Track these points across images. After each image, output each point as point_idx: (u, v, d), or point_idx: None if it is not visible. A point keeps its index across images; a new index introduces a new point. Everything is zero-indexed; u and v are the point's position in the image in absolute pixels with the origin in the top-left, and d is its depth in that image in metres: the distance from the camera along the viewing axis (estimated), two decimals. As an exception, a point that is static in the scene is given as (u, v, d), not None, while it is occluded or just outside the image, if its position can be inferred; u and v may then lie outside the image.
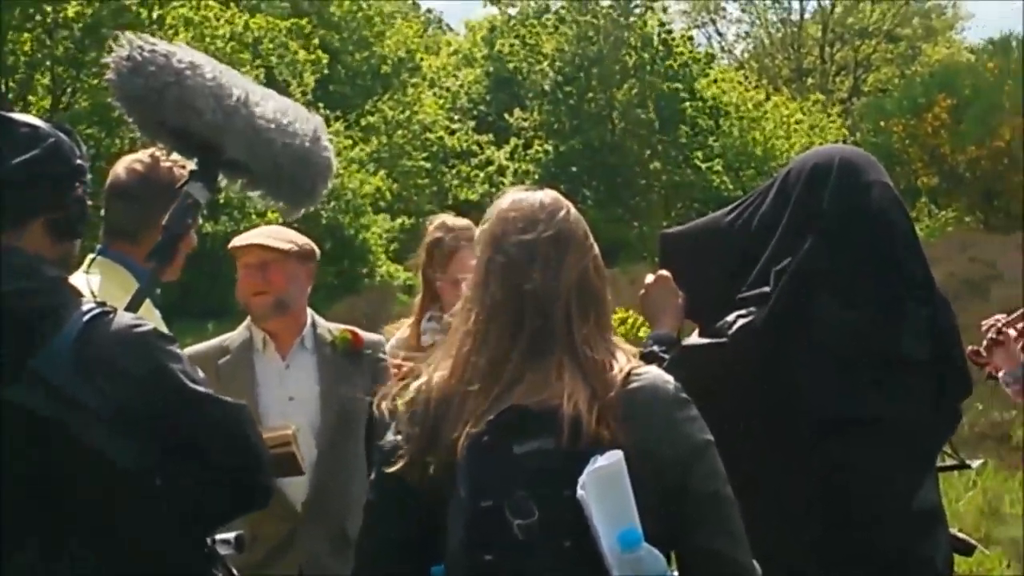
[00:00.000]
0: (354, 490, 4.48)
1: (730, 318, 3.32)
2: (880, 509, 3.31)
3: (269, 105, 3.84)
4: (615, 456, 2.62)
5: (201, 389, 3.00)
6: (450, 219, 5.26)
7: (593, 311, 2.88)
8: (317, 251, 4.89)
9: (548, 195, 2.96)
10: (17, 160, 2.97)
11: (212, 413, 3.01)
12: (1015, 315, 5.11)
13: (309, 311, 4.88)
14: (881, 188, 3.44)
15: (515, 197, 2.96)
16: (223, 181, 3.87)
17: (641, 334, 9.75)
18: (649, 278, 3.74)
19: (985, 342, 5.05)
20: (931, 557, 3.40)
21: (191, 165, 4.08)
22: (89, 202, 3.14)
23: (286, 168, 3.84)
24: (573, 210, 2.97)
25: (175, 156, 4.12)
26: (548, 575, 2.65)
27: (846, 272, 3.32)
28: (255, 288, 4.72)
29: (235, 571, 3.20)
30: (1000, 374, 5.13)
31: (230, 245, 4.81)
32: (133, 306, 3.56)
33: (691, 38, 42.01)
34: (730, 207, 3.65)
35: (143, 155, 4.19)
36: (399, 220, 33.76)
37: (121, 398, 2.83)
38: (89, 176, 3.16)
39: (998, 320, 5.10)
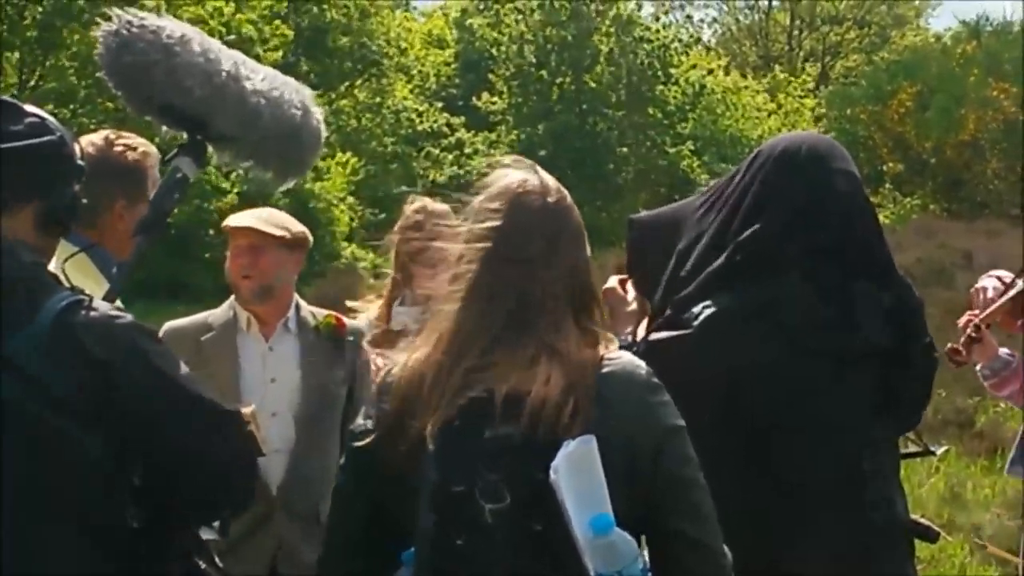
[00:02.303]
0: (329, 475, 4.49)
1: (696, 309, 3.32)
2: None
3: (259, 77, 3.83)
4: (587, 441, 2.62)
5: (189, 388, 2.96)
6: (430, 203, 5.24)
7: (579, 300, 2.87)
8: (309, 238, 4.92)
9: (554, 186, 2.92)
10: (21, 143, 2.96)
11: (199, 413, 2.98)
12: (988, 312, 5.13)
13: (294, 293, 4.91)
14: (846, 176, 3.44)
15: (523, 180, 2.90)
16: (211, 154, 3.86)
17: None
18: (612, 280, 3.74)
19: (963, 339, 5.07)
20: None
21: (151, 147, 4.08)
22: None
23: (276, 141, 3.83)
24: (572, 202, 2.95)
25: (129, 139, 4.10)
26: (519, 560, 2.65)
27: (810, 258, 3.33)
28: (243, 271, 4.76)
29: (216, 557, 3.19)
30: (977, 367, 5.16)
31: (224, 224, 4.84)
32: (114, 289, 3.54)
33: (668, 25, 41.85)
34: (699, 193, 3.64)
35: (96, 137, 4.13)
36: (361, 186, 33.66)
37: (96, 389, 2.80)
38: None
39: (972, 317, 5.12)
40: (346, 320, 4.95)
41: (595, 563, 2.58)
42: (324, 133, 4.06)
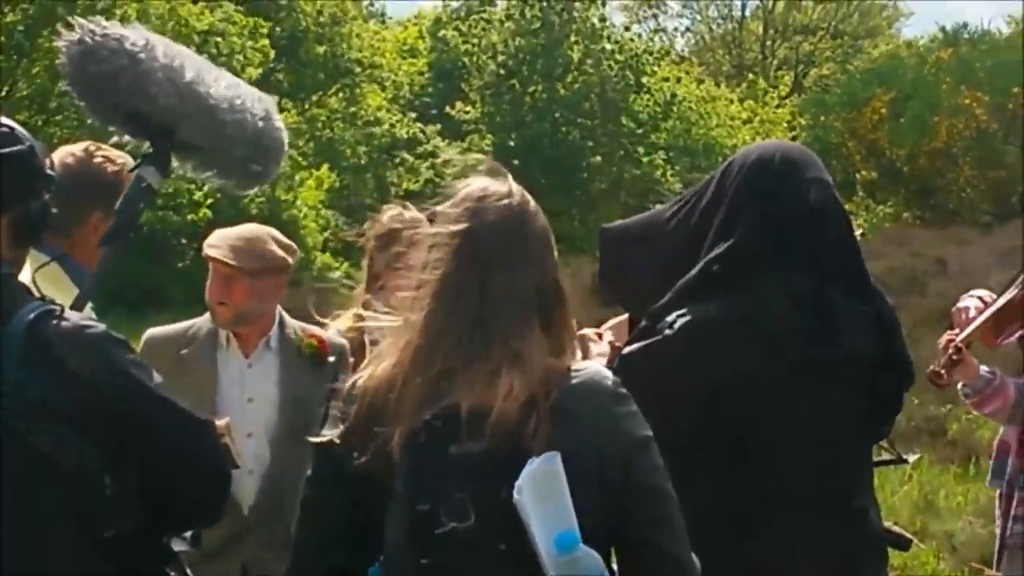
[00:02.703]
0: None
1: (670, 318, 3.31)
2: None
3: (221, 85, 3.81)
4: (552, 458, 2.62)
5: (159, 395, 2.96)
6: (404, 210, 5.21)
7: (548, 311, 2.85)
8: (292, 259, 4.79)
9: (517, 190, 2.91)
10: None
11: (171, 423, 2.97)
12: (967, 332, 5.13)
13: (278, 308, 4.83)
14: (820, 185, 3.44)
15: (485, 186, 2.90)
16: (174, 163, 3.84)
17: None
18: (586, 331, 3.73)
19: (944, 361, 5.08)
20: None
21: (128, 159, 4.05)
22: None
23: (239, 149, 3.81)
24: (537, 206, 2.93)
25: (108, 152, 4.08)
26: None
27: (785, 266, 3.33)
28: (218, 298, 4.69)
29: (188, 571, 3.17)
30: (960, 387, 5.17)
31: (204, 248, 4.73)
32: (82, 298, 3.52)
33: (637, 36, 41.94)
34: (671, 202, 3.64)
35: (76, 148, 4.11)
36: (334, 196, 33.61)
37: (69, 399, 2.79)
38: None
39: (952, 337, 5.13)
40: (329, 340, 4.86)
41: None
42: (286, 141, 4.04)
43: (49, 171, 3.05)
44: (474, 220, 2.83)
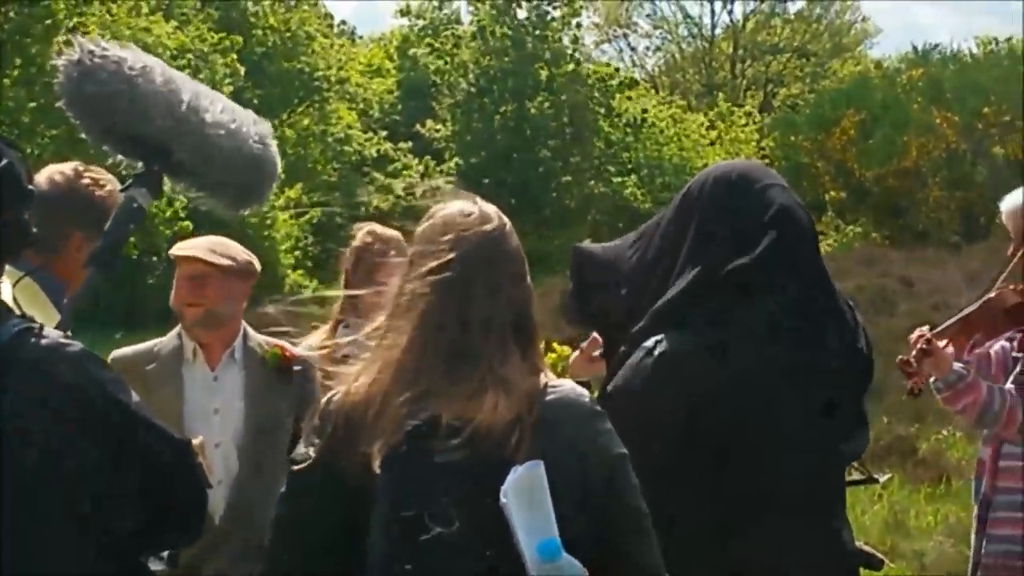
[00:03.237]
0: (271, 506, 4.49)
1: (648, 343, 3.29)
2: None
3: (218, 109, 3.81)
4: (535, 466, 2.63)
5: (139, 414, 2.92)
6: (379, 228, 5.23)
7: (523, 334, 2.88)
8: (257, 267, 4.87)
9: (495, 214, 2.93)
10: None
11: (150, 442, 2.93)
12: (940, 329, 5.16)
13: (242, 323, 4.86)
14: (781, 189, 3.45)
15: (461, 209, 2.92)
16: (167, 183, 3.83)
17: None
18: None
19: (914, 352, 5.10)
20: None
21: (116, 182, 4.04)
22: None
23: (234, 171, 3.82)
24: (512, 230, 2.96)
25: (96, 173, 4.08)
26: None
27: (767, 276, 3.32)
28: (188, 299, 4.71)
29: None
30: (931, 380, 5.18)
31: (171, 251, 4.79)
32: (66, 319, 3.50)
33: (607, 64, 42.13)
34: (636, 232, 3.64)
35: (66, 167, 4.12)
36: (306, 216, 33.59)
37: (68, 399, 2.77)
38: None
39: (923, 332, 5.15)
40: (293, 351, 4.88)
41: None
42: (279, 165, 4.05)
43: (30, 187, 3.01)
44: (453, 247, 2.85)
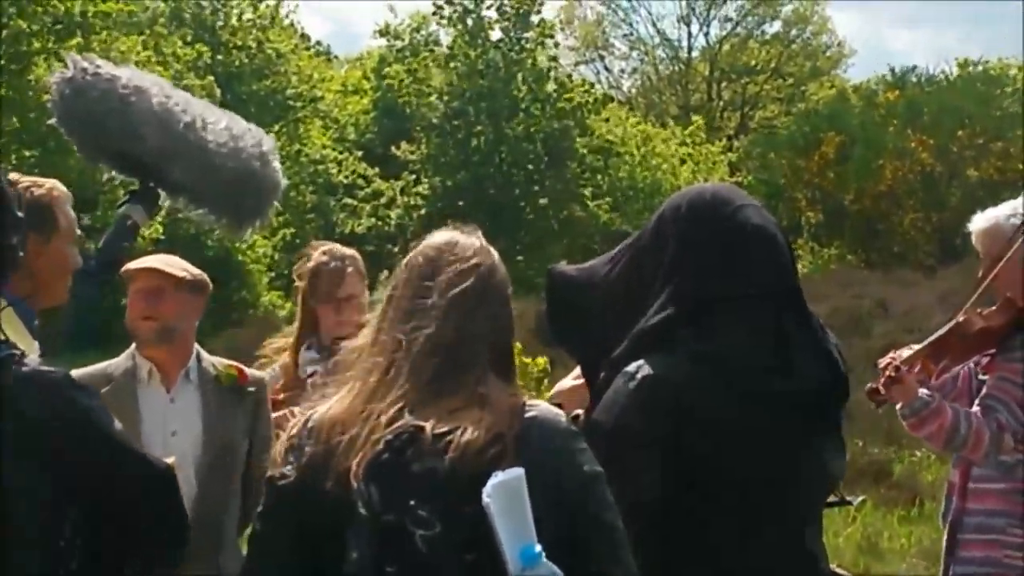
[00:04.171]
0: (228, 527, 4.47)
1: (631, 368, 3.28)
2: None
3: (220, 126, 3.80)
4: (515, 472, 2.66)
5: (129, 446, 2.97)
6: (335, 246, 5.25)
7: (503, 355, 2.96)
8: (209, 284, 4.84)
9: (483, 247, 3.02)
10: None
11: (134, 472, 2.96)
12: (910, 355, 5.18)
13: (195, 344, 4.83)
14: (755, 209, 3.44)
15: (450, 238, 3.00)
16: (164, 200, 3.81)
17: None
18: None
19: (883, 379, 5.11)
20: None
21: (60, 186, 4.00)
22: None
23: (232, 190, 3.80)
24: (498, 258, 3.03)
25: (33, 179, 4.04)
26: None
27: (742, 300, 3.31)
28: (143, 313, 4.66)
29: None
30: (898, 407, 5.19)
31: (123, 269, 4.73)
32: (67, 333, 3.47)
33: (584, 81, 42.13)
34: (610, 255, 3.63)
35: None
36: (279, 235, 33.57)
37: (27, 445, 2.75)
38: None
39: (894, 359, 5.16)
40: (247, 371, 4.89)
41: None
42: (282, 183, 4.03)
43: (20, 214, 3.00)
44: (436, 275, 2.93)
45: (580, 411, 3.48)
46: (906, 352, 5.27)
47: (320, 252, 5.15)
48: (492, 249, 3.04)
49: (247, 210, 3.95)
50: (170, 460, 3.21)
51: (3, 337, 2.91)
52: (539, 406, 2.92)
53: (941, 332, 5.21)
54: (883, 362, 5.22)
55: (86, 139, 3.75)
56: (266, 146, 3.97)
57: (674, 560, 3.10)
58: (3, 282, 3.05)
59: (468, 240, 3.01)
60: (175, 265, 4.68)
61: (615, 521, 2.85)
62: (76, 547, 2.84)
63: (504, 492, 2.63)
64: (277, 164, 4.02)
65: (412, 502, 2.70)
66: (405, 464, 2.73)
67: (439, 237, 3.02)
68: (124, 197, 3.79)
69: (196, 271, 4.74)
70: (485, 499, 2.62)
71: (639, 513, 3.01)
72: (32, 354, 3.44)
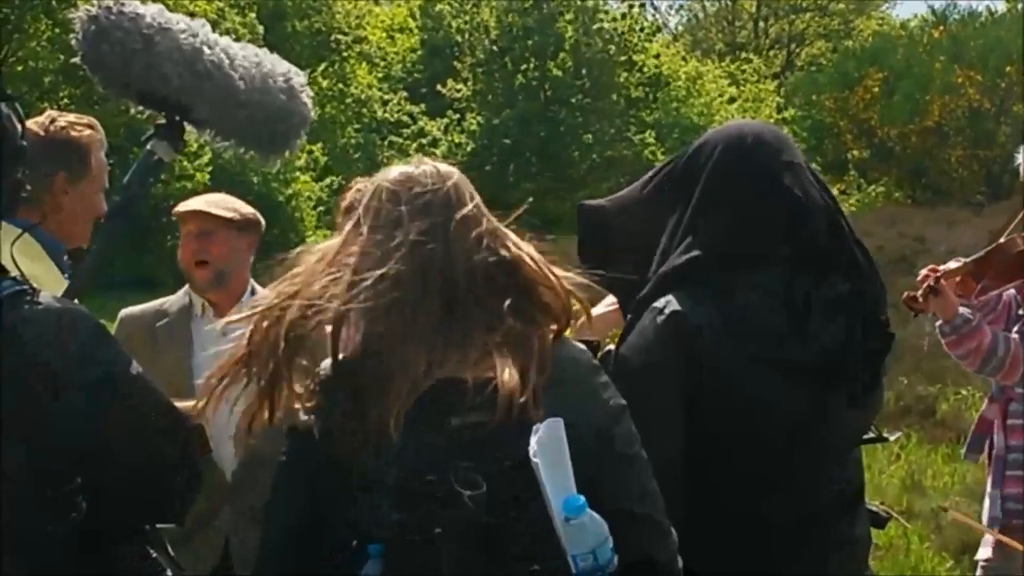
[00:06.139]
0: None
1: (659, 303, 3.25)
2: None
3: (245, 62, 3.80)
4: (556, 424, 2.61)
5: (130, 380, 2.84)
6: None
7: (514, 281, 2.80)
8: (261, 221, 4.87)
9: (435, 165, 2.88)
10: None
11: (142, 410, 2.86)
12: (951, 268, 5.15)
13: (249, 278, 4.87)
14: (792, 169, 3.32)
15: (402, 169, 2.86)
16: (192, 132, 3.83)
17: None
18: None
19: (921, 290, 5.09)
20: None
21: (98, 128, 4.03)
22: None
23: (258, 124, 3.81)
24: (464, 181, 2.88)
25: (72, 118, 4.06)
26: (498, 546, 2.62)
27: (760, 261, 3.28)
28: (196, 257, 4.71)
29: (169, 546, 3.07)
30: (937, 324, 5.17)
31: (174, 210, 4.79)
32: (83, 278, 3.48)
33: (632, 5, 41.70)
34: (645, 178, 3.58)
35: (41, 117, 4.05)
36: (328, 180, 33.55)
37: (39, 389, 2.65)
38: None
39: (935, 270, 5.13)
40: None
41: (569, 545, 2.59)
42: (310, 115, 4.04)
43: (23, 143, 2.93)
44: (412, 214, 2.78)
45: (611, 346, 3.46)
46: (950, 265, 5.24)
47: (357, 188, 5.14)
48: (453, 170, 2.89)
49: (275, 142, 3.96)
50: (191, 404, 3.11)
51: (16, 273, 2.80)
52: (565, 344, 2.85)
53: (982, 252, 5.18)
54: (922, 273, 5.22)
55: (111, 78, 3.76)
56: (295, 80, 3.96)
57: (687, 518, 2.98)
58: (12, 215, 2.95)
59: (422, 167, 2.86)
60: (224, 205, 4.72)
61: (640, 453, 2.80)
62: (79, 497, 2.73)
63: (548, 445, 2.60)
64: (306, 97, 4.02)
65: (453, 460, 2.61)
66: (443, 420, 2.65)
67: (394, 174, 2.85)
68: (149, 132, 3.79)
69: (246, 209, 4.78)
70: (532, 458, 2.58)
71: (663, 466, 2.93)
72: (58, 289, 3.37)
